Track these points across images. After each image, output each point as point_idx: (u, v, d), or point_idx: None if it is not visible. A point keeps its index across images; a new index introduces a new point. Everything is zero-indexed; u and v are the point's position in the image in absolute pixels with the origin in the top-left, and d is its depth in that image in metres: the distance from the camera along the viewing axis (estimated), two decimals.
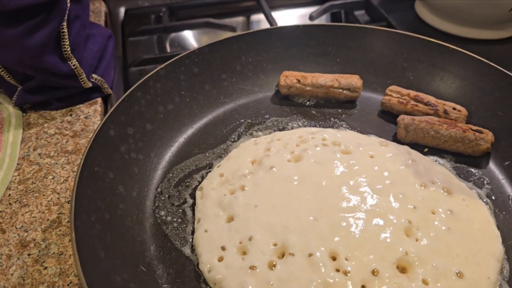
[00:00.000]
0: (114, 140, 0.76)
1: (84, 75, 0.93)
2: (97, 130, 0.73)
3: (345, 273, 0.61)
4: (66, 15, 0.85)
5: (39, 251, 0.71)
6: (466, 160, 0.82)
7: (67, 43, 0.88)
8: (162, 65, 0.87)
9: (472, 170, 0.81)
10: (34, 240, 0.73)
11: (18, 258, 0.70)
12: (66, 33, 0.87)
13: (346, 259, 0.63)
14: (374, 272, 0.61)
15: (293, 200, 0.70)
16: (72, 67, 0.90)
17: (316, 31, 0.98)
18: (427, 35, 0.96)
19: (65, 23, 0.86)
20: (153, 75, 0.85)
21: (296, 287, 0.60)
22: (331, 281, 0.60)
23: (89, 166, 0.68)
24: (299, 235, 0.65)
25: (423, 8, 1.24)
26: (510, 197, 0.76)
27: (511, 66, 1.03)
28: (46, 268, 0.69)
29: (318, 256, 0.63)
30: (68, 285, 0.67)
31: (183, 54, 0.90)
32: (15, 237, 0.73)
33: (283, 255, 0.65)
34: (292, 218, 0.67)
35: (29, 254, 0.71)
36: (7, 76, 0.91)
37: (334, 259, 0.63)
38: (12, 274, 0.68)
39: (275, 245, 0.65)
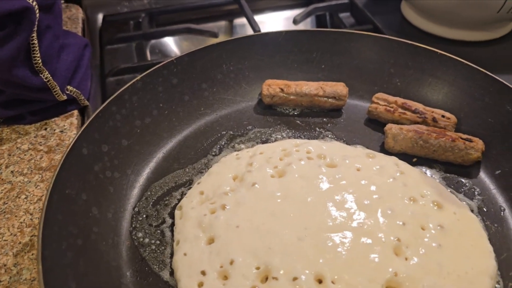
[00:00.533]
0: (87, 159, 0.72)
1: (58, 87, 0.89)
2: (68, 150, 0.69)
3: None
4: (36, 26, 0.81)
5: (10, 277, 0.68)
6: (456, 170, 0.79)
7: (38, 55, 0.84)
8: (139, 77, 0.83)
9: (463, 180, 0.78)
10: (5, 265, 0.69)
11: None
12: (37, 45, 0.83)
13: (332, 282, 0.60)
14: None
15: (277, 220, 0.67)
16: (45, 80, 0.86)
17: (300, 37, 0.94)
18: (413, 37, 0.93)
19: (35, 35, 0.82)
20: (128, 88, 0.81)
21: None
22: None
23: (59, 189, 0.65)
24: (283, 257, 0.62)
25: (409, 10, 1.21)
26: (502, 208, 0.74)
27: (498, 68, 1.02)
28: None
29: (303, 279, 0.60)
30: None
31: (161, 64, 0.86)
32: None
33: (266, 279, 0.61)
34: (276, 239, 0.64)
35: None
36: None
37: (320, 282, 0.60)
38: None
39: (257, 268, 0.62)
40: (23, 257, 0.70)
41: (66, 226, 0.63)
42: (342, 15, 1.26)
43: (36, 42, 0.83)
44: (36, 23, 0.80)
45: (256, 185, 0.72)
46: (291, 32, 0.94)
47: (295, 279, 0.60)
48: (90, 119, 0.74)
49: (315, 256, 0.62)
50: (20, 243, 0.72)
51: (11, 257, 0.70)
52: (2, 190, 0.80)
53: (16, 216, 0.76)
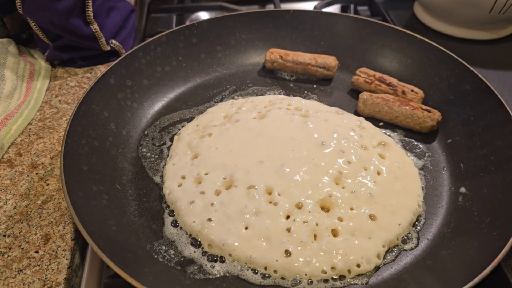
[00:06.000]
0: (112, 88, 0.92)
1: (104, 39, 1.10)
2: (98, 77, 0.89)
3: (275, 204, 0.74)
4: None
5: (45, 172, 0.88)
6: (414, 136, 0.92)
7: (91, 9, 1.05)
8: (164, 33, 1.02)
9: (418, 144, 0.91)
10: (43, 163, 0.90)
11: (28, 175, 0.87)
12: (90, 2, 1.04)
13: (278, 194, 0.75)
14: (298, 206, 0.74)
15: (247, 147, 0.83)
16: (93, 30, 1.07)
17: (305, 16, 1.10)
18: (418, 31, 1.05)
19: None
20: (154, 40, 1.00)
21: (233, 210, 0.74)
22: (262, 209, 0.73)
23: (87, 103, 0.85)
24: (245, 172, 0.78)
25: (419, 8, 1.33)
26: (445, 168, 0.86)
27: (490, 65, 1.12)
28: (48, 184, 0.86)
29: (257, 189, 0.76)
30: (62, 199, 0.83)
31: (184, 25, 1.05)
32: (28, 159, 0.90)
33: (230, 187, 0.78)
34: (242, 159, 0.81)
35: (36, 173, 0.88)
36: (41, 34, 1.09)
37: (269, 193, 0.76)
38: (21, 186, 0.85)
39: (224, 178, 0.79)
40: (57, 160, 0.91)
41: (87, 129, 0.83)
42: (360, 8, 1.41)
43: None
44: None
45: (239, 122, 0.88)
46: (298, 11, 1.10)
47: (250, 187, 0.76)
48: (120, 58, 0.94)
49: (270, 175, 0.78)
50: (56, 150, 0.93)
51: (48, 158, 0.91)
52: (50, 112, 1.02)
53: (56, 131, 0.97)
